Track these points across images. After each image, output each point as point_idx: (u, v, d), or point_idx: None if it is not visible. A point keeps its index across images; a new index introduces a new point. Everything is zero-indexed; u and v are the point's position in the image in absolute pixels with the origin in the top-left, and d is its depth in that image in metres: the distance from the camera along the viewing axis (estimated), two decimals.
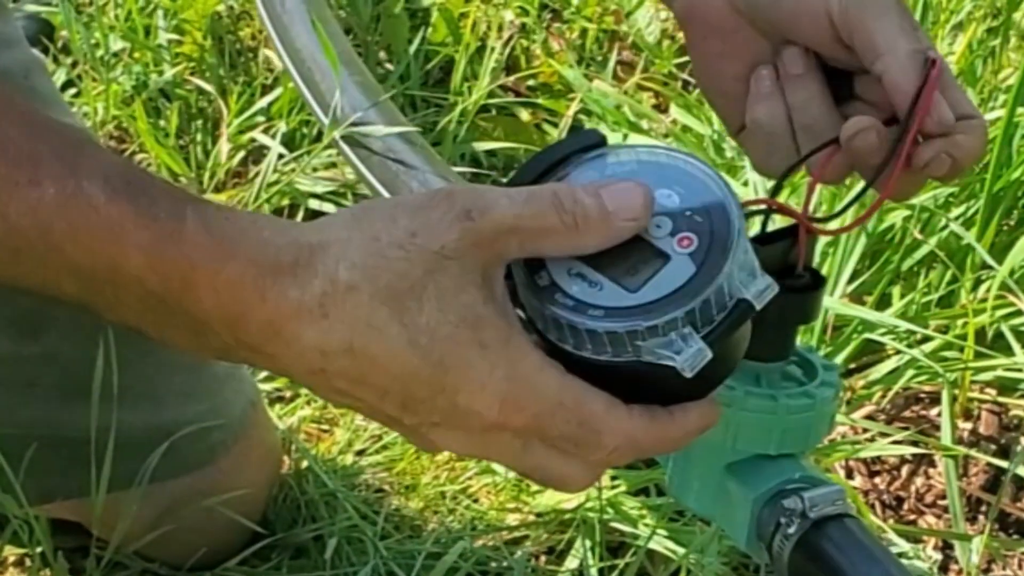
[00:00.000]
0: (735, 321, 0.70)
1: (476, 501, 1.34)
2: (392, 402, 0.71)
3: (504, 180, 0.91)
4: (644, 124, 1.73)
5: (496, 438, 0.72)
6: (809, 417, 0.81)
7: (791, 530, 0.77)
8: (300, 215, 1.60)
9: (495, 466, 1.35)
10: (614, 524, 1.29)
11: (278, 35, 1.59)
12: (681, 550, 1.26)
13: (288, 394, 1.44)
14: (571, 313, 0.71)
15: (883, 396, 1.44)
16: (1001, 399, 1.44)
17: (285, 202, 1.62)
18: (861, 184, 0.84)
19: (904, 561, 1.30)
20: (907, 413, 1.45)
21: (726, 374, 0.74)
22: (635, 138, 1.68)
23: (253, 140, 1.69)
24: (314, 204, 1.62)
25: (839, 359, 1.43)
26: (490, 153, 1.72)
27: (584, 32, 1.90)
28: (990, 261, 1.46)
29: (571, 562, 1.28)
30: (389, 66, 1.82)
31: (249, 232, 0.70)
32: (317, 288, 0.69)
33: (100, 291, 0.71)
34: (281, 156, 1.64)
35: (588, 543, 1.28)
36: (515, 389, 0.71)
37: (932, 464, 1.40)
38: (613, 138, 1.66)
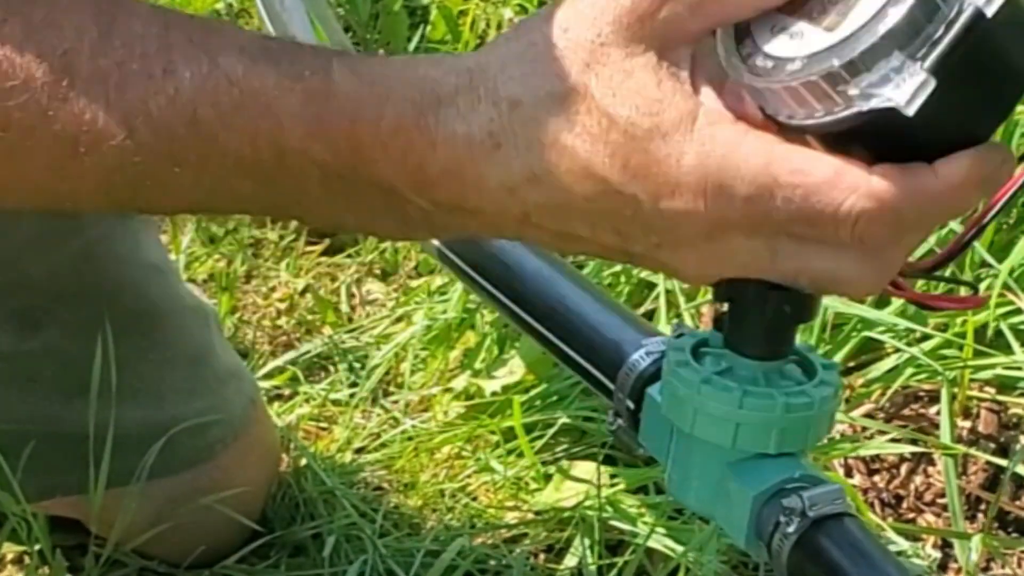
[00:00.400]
0: (962, 35, 0.58)
1: (475, 499, 1.34)
2: (606, 230, 0.64)
3: None
4: None
5: (729, 245, 0.64)
6: (809, 416, 0.80)
7: (790, 529, 0.77)
8: None
9: (494, 464, 1.35)
10: (613, 522, 1.29)
11: (277, 33, 1.59)
12: (680, 548, 1.26)
13: (287, 392, 1.44)
14: (771, 75, 0.61)
15: (882, 394, 1.43)
16: (1000, 397, 1.44)
17: None
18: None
19: (903, 559, 1.30)
20: (906, 411, 1.45)
21: (982, 115, 0.62)
22: None
23: None
24: None
25: (838, 357, 1.43)
26: None
27: None
28: (990, 260, 1.46)
29: (570, 560, 1.28)
30: None
31: (403, 71, 0.64)
32: (483, 115, 0.63)
33: (280, 187, 0.65)
34: None
35: (587, 541, 1.28)
36: (713, 174, 0.62)
37: (931, 462, 1.40)
38: None
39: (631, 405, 0.87)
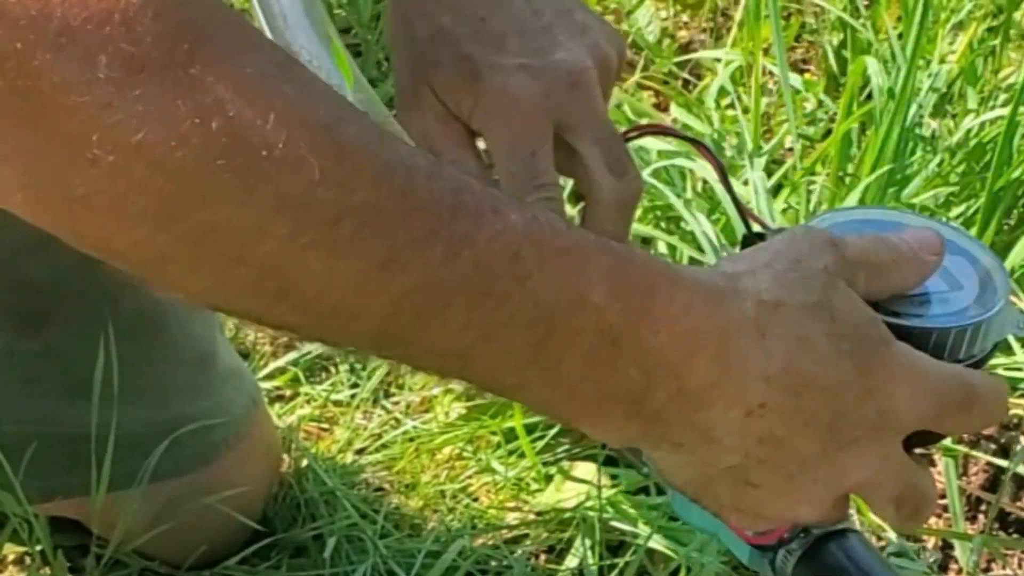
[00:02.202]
0: None
1: (476, 500, 1.34)
2: (816, 428, 0.71)
3: None
4: (644, 123, 1.73)
5: (898, 443, 0.73)
6: None
7: (794, 545, 0.78)
8: None
9: (495, 465, 1.35)
10: (614, 523, 1.29)
11: (274, 35, 1.59)
12: (681, 549, 1.26)
13: (288, 393, 1.44)
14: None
15: None
16: None
17: None
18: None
19: (904, 560, 1.30)
20: None
21: None
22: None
23: None
24: None
25: None
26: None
27: None
28: None
29: (571, 561, 1.28)
30: (389, 64, 1.82)
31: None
32: (750, 309, 0.70)
33: (547, 349, 0.67)
34: None
35: (588, 542, 1.28)
36: (926, 380, 0.73)
37: (932, 463, 1.40)
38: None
39: None
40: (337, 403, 1.42)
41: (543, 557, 1.30)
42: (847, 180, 1.57)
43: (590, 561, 1.27)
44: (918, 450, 0.76)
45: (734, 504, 0.74)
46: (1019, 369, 1.41)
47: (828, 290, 0.72)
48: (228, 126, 0.58)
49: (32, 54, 0.56)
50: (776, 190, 1.57)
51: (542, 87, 0.90)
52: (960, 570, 1.31)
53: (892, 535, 1.31)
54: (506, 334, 0.66)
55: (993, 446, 1.41)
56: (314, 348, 1.46)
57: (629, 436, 0.71)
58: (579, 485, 1.32)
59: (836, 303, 0.72)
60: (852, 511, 1.31)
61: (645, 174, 1.45)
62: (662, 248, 1.48)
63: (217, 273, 0.62)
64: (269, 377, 1.44)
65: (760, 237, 0.81)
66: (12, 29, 0.56)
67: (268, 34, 1.57)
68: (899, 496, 0.74)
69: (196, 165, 0.58)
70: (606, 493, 1.29)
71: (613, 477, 1.32)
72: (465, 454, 1.37)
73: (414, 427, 1.39)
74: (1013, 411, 1.44)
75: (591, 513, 1.28)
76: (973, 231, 1.49)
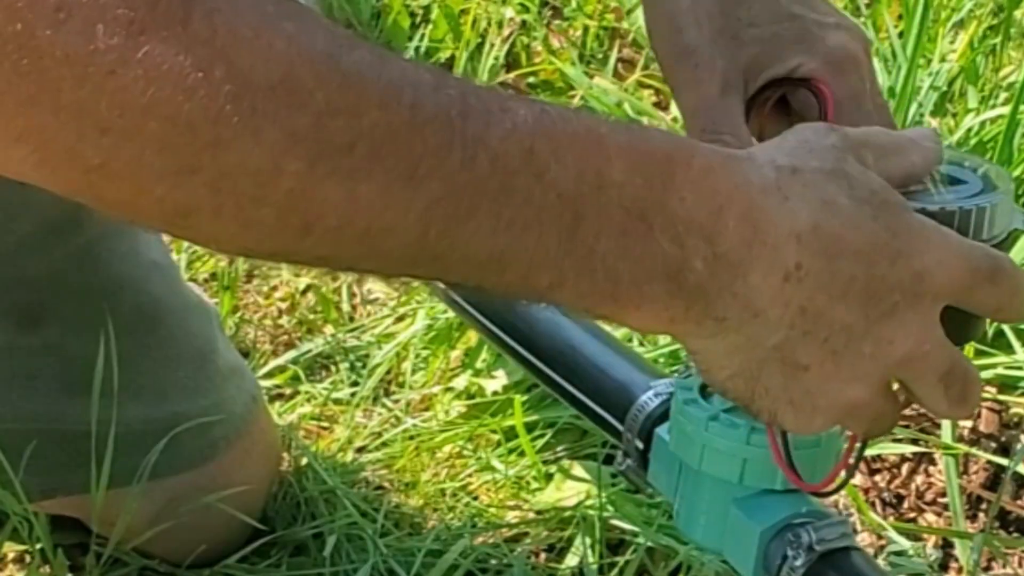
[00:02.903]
0: None
1: (476, 499, 1.34)
2: (857, 293, 0.71)
3: None
4: (644, 121, 1.73)
5: (936, 312, 0.73)
6: (814, 452, 0.81)
7: (798, 563, 0.78)
8: None
9: (495, 463, 1.35)
10: (614, 521, 1.29)
11: None
12: (681, 547, 1.26)
13: (288, 391, 1.44)
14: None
15: None
16: (1001, 397, 1.44)
17: None
18: None
19: (904, 559, 1.30)
20: (907, 411, 1.45)
21: None
22: None
23: None
24: None
25: None
26: None
27: (585, 29, 1.89)
28: None
29: (571, 559, 1.28)
30: None
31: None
32: (770, 173, 0.71)
33: (580, 235, 0.68)
34: None
35: (588, 540, 1.28)
36: (954, 246, 0.74)
37: (932, 462, 1.40)
38: None
39: (640, 445, 0.89)
40: (337, 401, 1.42)
41: (543, 556, 1.30)
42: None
43: (590, 560, 1.27)
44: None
45: (788, 397, 0.73)
46: (1019, 367, 1.41)
47: (840, 161, 0.73)
48: (231, 72, 0.59)
49: (32, 33, 0.56)
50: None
51: (858, 47, 0.94)
52: (960, 569, 1.31)
53: (892, 534, 1.31)
54: (536, 229, 0.67)
55: (993, 445, 1.41)
56: (315, 347, 1.47)
57: (674, 319, 0.71)
58: (579, 483, 1.32)
59: (850, 171, 0.73)
60: (852, 514, 1.31)
61: None
62: None
63: (240, 217, 0.62)
64: (269, 375, 1.44)
65: None
66: (9, 11, 0.56)
67: None
68: (947, 373, 0.74)
69: (204, 115, 0.59)
70: (606, 491, 1.29)
71: (613, 476, 1.32)
72: (465, 452, 1.37)
73: (414, 425, 1.39)
74: (1013, 410, 1.44)
75: (591, 512, 1.28)
76: None
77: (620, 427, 0.91)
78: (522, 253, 0.67)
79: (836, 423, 0.75)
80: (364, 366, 1.45)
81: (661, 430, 0.87)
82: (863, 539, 1.31)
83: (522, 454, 1.35)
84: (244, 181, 0.61)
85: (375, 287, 1.56)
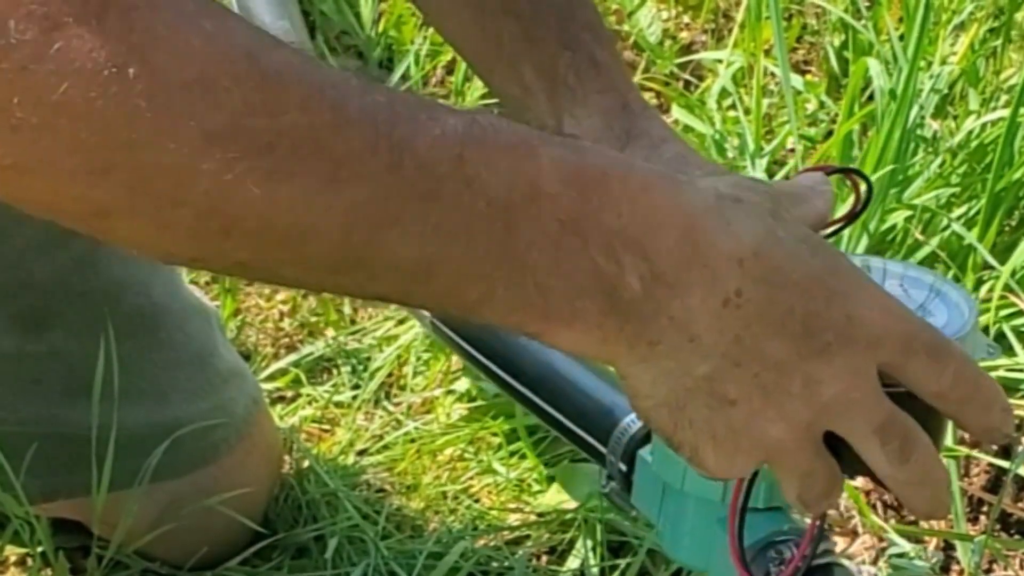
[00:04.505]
0: None
1: (477, 501, 1.34)
2: (792, 327, 0.69)
3: None
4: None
5: (870, 364, 0.70)
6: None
7: None
8: None
9: (496, 466, 1.35)
10: (616, 524, 1.29)
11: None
12: None
13: (289, 394, 1.44)
14: None
15: None
16: None
17: None
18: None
19: (905, 561, 1.30)
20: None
21: None
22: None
23: None
24: None
25: None
26: None
27: None
28: (992, 262, 1.46)
29: (572, 562, 1.28)
30: (391, 64, 1.82)
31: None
32: (711, 198, 0.69)
33: (511, 245, 0.65)
34: None
35: (589, 543, 1.28)
36: (895, 306, 0.71)
37: None
38: None
39: (623, 468, 0.89)
40: (339, 404, 1.42)
41: (545, 558, 1.30)
42: (848, 182, 1.57)
43: (592, 562, 1.27)
44: None
45: (711, 431, 0.70)
46: (1021, 370, 1.41)
47: (774, 204, 0.72)
48: (145, 69, 0.58)
49: None
50: None
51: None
52: (962, 571, 1.31)
53: (894, 536, 1.31)
54: (465, 236, 0.65)
55: (994, 447, 1.41)
56: (316, 350, 1.47)
57: (606, 338, 0.69)
58: (580, 486, 1.32)
59: (784, 215, 0.72)
60: (854, 516, 1.31)
61: None
62: None
63: (157, 218, 0.61)
64: (271, 378, 1.44)
65: None
66: None
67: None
68: (881, 427, 0.71)
69: (117, 112, 0.58)
70: None
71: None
72: (467, 455, 1.37)
73: (415, 428, 1.39)
74: (1015, 413, 1.44)
75: (593, 514, 1.28)
76: (974, 232, 1.49)
77: (603, 450, 0.90)
78: (449, 262, 0.65)
79: (757, 465, 0.72)
80: (365, 369, 1.45)
81: (644, 452, 0.86)
82: (865, 541, 1.31)
83: (523, 457, 1.35)
84: (160, 181, 0.60)
85: None
